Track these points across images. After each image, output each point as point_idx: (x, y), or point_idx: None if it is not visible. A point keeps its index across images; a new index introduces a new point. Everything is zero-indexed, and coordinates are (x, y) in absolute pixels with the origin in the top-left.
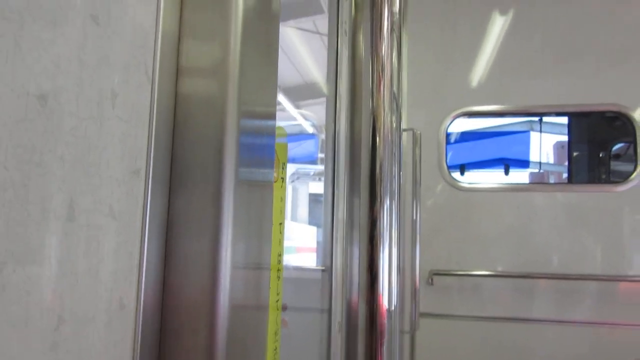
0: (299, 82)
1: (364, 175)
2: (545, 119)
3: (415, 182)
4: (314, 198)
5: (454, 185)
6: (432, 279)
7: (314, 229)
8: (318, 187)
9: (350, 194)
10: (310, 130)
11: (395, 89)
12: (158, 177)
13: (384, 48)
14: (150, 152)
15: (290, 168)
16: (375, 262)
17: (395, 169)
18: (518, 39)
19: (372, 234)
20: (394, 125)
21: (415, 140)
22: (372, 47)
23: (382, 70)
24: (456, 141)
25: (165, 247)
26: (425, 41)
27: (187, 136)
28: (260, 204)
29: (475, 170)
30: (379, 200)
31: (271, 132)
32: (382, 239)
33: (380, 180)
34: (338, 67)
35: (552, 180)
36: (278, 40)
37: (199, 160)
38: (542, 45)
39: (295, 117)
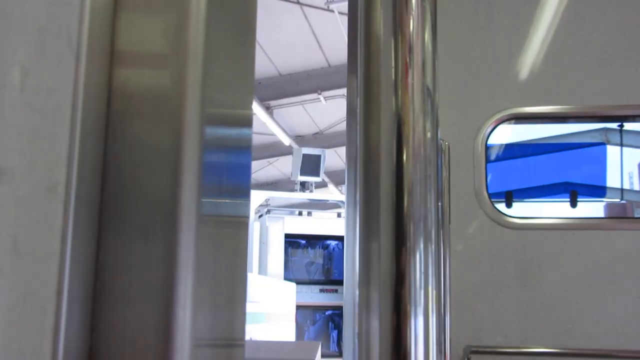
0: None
1: (385, 208)
2: (627, 125)
3: (444, 216)
4: (293, 243)
5: (498, 220)
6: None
7: (292, 287)
8: (298, 225)
9: (366, 236)
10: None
11: (429, 81)
12: (83, 198)
13: (413, 22)
14: (73, 160)
15: (257, 196)
16: (403, 338)
17: (432, 197)
18: (587, 15)
19: (398, 296)
20: (429, 134)
21: (443, 156)
22: (394, 21)
23: (410, 53)
24: (499, 158)
25: (93, 310)
26: (453, 20)
27: (127, 145)
28: (233, 250)
29: (528, 199)
30: (408, 243)
31: (246, 145)
32: (413, 304)
33: (410, 214)
34: (358, 53)
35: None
36: (255, 18)
37: (143, 182)
38: (622, 23)
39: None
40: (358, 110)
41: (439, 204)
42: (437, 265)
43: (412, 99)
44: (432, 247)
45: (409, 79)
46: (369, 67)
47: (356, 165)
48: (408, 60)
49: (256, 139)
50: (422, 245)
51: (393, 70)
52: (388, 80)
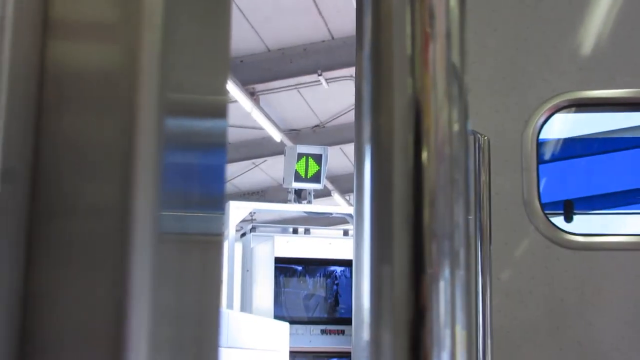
0: None
1: (399, 223)
2: None
3: (483, 233)
4: (286, 269)
5: (554, 238)
6: None
7: (284, 327)
8: (293, 246)
9: (377, 260)
10: None
11: (456, 56)
12: (5, 209)
13: None
14: None
15: (238, 209)
16: None
17: (460, 208)
18: None
19: (416, 339)
20: (456, 125)
21: (482, 154)
22: None
23: (431, 20)
24: (555, 157)
25: (19, 357)
26: None
27: (63, 141)
28: (203, 279)
29: (594, 211)
30: (429, 269)
31: (220, 142)
32: (436, 348)
33: (432, 230)
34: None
35: None
36: None
37: (85, 189)
38: None
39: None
40: (364, 96)
41: (476, 216)
42: (468, 298)
43: (434, 80)
44: (461, 274)
45: (430, 54)
46: (379, 38)
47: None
48: (429, 29)
49: (237, 134)
50: (447, 271)
51: (409, 42)
52: (402, 56)
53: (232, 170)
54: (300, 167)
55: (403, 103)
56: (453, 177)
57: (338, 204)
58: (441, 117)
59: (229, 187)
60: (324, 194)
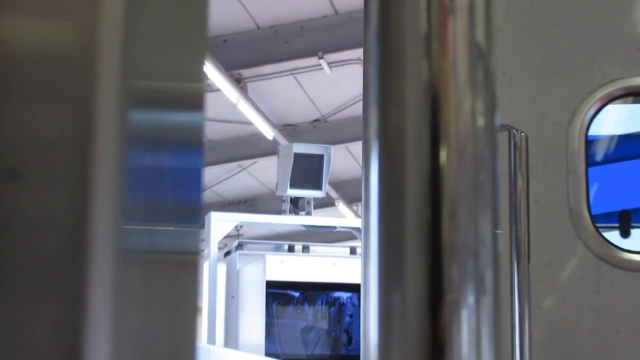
0: None
1: (412, 237)
2: None
3: (519, 251)
4: (280, 296)
5: (607, 257)
6: None
7: None
8: (289, 267)
9: (386, 283)
10: None
11: (480, 34)
12: None
13: None
14: None
15: (221, 222)
16: None
17: (487, 219)
18: None
19: None
20: (481, 118)
21: (518, 154)
22: None
23: None
24: (608, 158)
25: None
26: None
27: (2, 135)
28: (175, 307)
29: None
30: (448, 295)
31: (196, 141)
32: None
33: (452, 247)
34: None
35: None
36: None
37: (30, 197)
38: None
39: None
40: (373, 84)
41: (511, 230)
42: (497, 331)
43: (454, 63)
44: (488, 301)
45: (449, 32)
46: (389, 13)
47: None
48: (448, 1)
49: (219, 130)
50: (471, 298)
51: (424, 17)
52: (416, 34)
53: (214, 174)
54: (297, 170)
55: (417, 91)
56: (478, 182)
57: (344, 216)
58: (463, 108)
59: (211, 195)
60: (326, 203)
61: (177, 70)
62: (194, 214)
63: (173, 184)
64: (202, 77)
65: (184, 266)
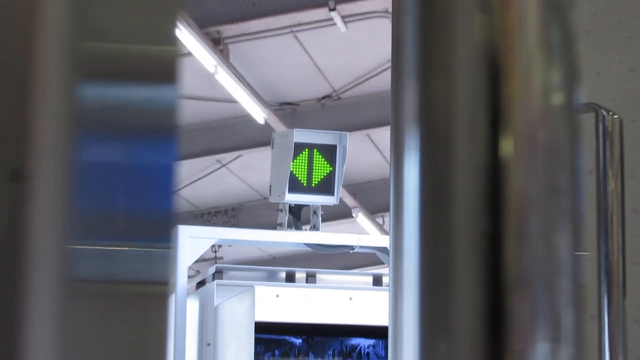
0: None
1: (464, 263)
2: None
3: (611, 276)
4: (275, 343)
5: None
6: None
7: None
8: (285, 304)
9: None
10: None
11: None
12: None
13: None
14: None
15: (193, 241)
16: None
17: (567, 234)
18: None
19: None
20: (559, 94)
21: (609, 142)
22: None
23: None
24: None
25: None
26: None
27: None
28: (136, 354)
29: None
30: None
31: (166, 126)
32: None
33: (518, 276)
34: None
35: None
36: None
37: None
38: None
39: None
40: (407, 46)
41: (600, 248)
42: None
43: (521, 20)
44: (568, 352)
45: None
46: None
47: (411, 168)
48: None
49: (191, 112)
50: (544, 348)
51: None
52: None
53: (183, 173)
54: (299, 167)
55: (470, 56)
56: (554, 184)
57: (365, 232)
58: (533, 80)
59: (178, 201)
60: (340, 214)
61: (143, 28)
62: (161, 229)
63: (135, 188)
64: (173, 37)
65: (149, 300)
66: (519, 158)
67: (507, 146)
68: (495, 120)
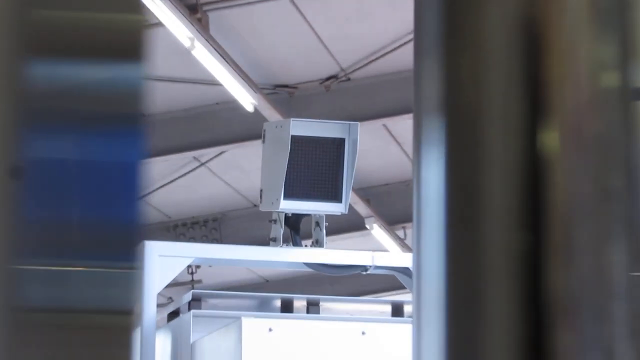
0: None
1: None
2: None
3: None
4: None
5: None
6: None
7: None
8: (286, 341)
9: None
10: None
11: None
12: None
13: None
14: None
15: (163, 260)
16: None
17: (622, 252)
18: None
19: None
20: (613, 75)
21: None
22: None
23: None
24: None
25: None
26: None
27: None
28: None
29: None
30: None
31: (132, 113)
32: None
33: (563, 302)
34: None
35: None
36: None
37: None
38: None
39: None
40: (428, 13)
41: None
42: None
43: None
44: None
45: None
46: None
47: (436, 168)
48: None
49: (161, 96)
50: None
51: None
52: None
53: (153, 174)
54: (297, 166)
55: (507, 27)
56: (607, 185)
57: (382, 248)
58: (581, 57)
59: (146, 210)
60: (350, 225)
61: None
62: (124, 245)
63: (93, 192)
64: (138, 3)
65: (108, 335)
66: (563, 155)
67: (549, 140)
68: (535, 108)
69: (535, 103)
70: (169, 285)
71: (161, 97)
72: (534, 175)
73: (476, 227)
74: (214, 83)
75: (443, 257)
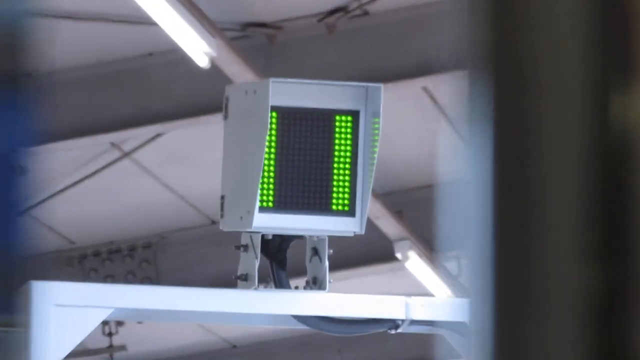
0: None
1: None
2: None
3: None
4: None
5: None
6: None
7: None
8: None
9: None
10: None
11: None
12: None
13: None
14: None
15: (58, 306)
16: None
17: None
18: None
19: None
20: None
21: None
22: None
23: None
24: None
25: None
26: None
27: None
28: None
29: None
30: None
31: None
32: None
33: None
34: None
35: None
36: None
37: None
38: None
39: None
40: None
41: None
42: None
43: None
44: None
45: None
46: None
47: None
48: None
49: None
50: None
51: None
52: None
53: (48, 171)
54: (281, 157)
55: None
56: None
57: (424, 290)
58: None
59: (41, 231)
60: (371, 253)
61: None
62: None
63: None
64: None
65: None
66: None
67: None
68: (622, 76)
69: (623, 69)
70: (75, 355)
71: (61, 45)
72: (615, 188)
73: (533, 258)
74: (146, 22)
75: (490, 297)
